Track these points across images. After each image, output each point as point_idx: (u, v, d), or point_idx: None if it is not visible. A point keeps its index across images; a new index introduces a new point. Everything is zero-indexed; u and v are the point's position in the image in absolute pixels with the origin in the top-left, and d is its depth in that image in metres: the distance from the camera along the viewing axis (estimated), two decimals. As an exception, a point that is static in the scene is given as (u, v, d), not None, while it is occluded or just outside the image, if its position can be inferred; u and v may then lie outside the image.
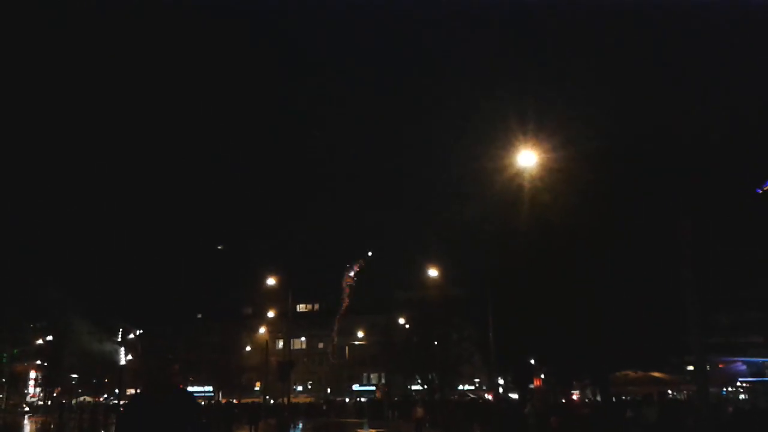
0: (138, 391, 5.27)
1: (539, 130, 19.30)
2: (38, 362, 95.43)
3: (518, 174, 19.81)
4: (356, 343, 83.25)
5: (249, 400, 59.19)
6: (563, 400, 41.13)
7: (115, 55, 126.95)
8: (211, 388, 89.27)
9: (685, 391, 38.65)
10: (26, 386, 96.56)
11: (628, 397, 35.23)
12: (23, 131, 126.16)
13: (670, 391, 37.99)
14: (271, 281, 45.87)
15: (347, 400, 74.72)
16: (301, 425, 43.51)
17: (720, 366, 40.12)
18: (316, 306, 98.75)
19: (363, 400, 72.52)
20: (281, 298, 53.83)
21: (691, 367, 33.28)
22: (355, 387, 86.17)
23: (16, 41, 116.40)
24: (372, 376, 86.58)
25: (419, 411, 36.84)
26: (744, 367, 40.71)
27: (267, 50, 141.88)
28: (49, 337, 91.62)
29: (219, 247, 74.89)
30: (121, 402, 51.76)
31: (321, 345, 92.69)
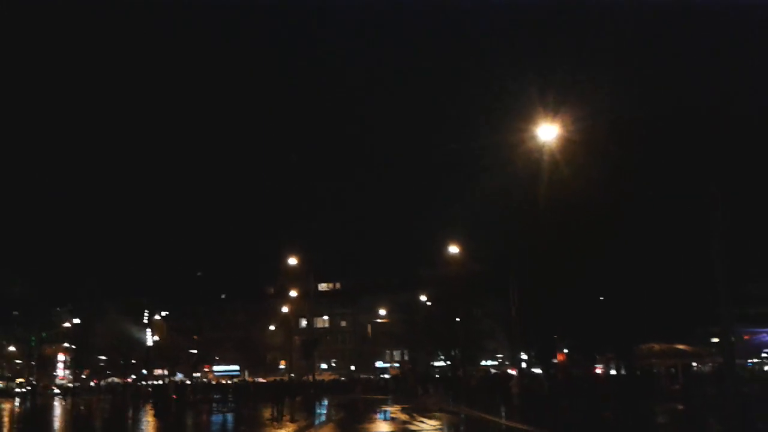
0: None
1: (561, 102, 19.08)
2: (66, 345, 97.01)
3: (539, 147, 19.57)
4: (379, 320, 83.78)
5: (273, 378, 59.82)
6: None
7: (137, 50, 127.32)
8: (237, 367, 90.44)
9: (710, 363, 38.49)
10: (55, 368, 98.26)
11: (655, 370, 35.19)
12: (48, 119, 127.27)
13: (694, 363, 37.85)
14: (292, 260, 46.13)
15: (371, 377, 75.44)
16: (326, 402, 43.96)
17: (745, 337, 39.88)
18: (338, 285, 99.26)
19: (386, 376, 73.17)
20: (303, 277, 54.23)
21: (716, 339, 33.06)
22: (379, 364, 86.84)
23: (17, 41, 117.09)
24: (395, 353, 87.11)
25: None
26: (769, 338, 40.49)
27: (290, 35, 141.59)
28: (77, 320, 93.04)
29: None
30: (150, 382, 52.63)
31: (344, 323, 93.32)
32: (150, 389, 60.69)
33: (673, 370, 35.21)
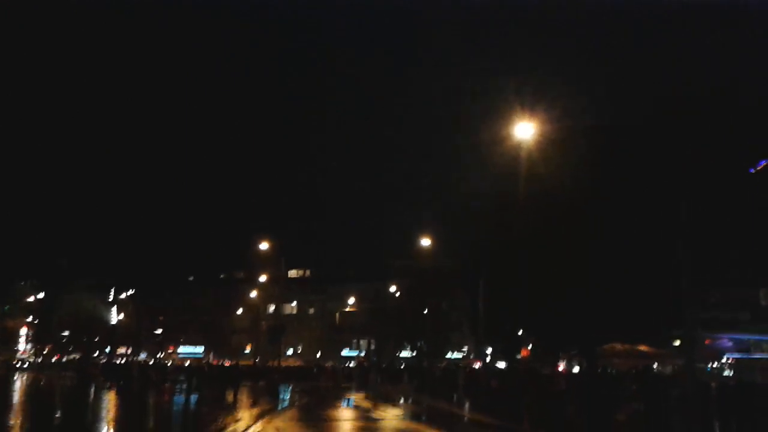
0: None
1: (537, 102, 19.25)
2: (29, 319, 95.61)
3: (515, 146, 19.76)
4: (347, 309, 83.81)
5: (238, 362, 59.59)
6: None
7: (122, 50, 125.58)
8: (202, 349, 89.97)
9: (670, 366, 39.08)
10: (17, 343, 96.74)
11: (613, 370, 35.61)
12: (25, 103, 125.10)
13: (655, 365, 38.39)
14: (263, 246, 45.84)
15: (336, 364, 75.51)
16: (290, 387, 43.93)
17: (706, 342, 40.53)
18: (308, 272, 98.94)
19: (353, 365, 73.34)
20: (274, 262, 54.00)
21: (678, 342, 33.62)
22: (345, 352, 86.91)
23: (20, 41, 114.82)
24: (362, 342, 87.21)
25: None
26: (730, 344, 41.17)
27: (267, 38, 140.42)
28: (40, 294, 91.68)
29: None
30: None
31: (312, 310, 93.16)
32: (101, 366, 59.74)
33: (633, 370, 35.67)
